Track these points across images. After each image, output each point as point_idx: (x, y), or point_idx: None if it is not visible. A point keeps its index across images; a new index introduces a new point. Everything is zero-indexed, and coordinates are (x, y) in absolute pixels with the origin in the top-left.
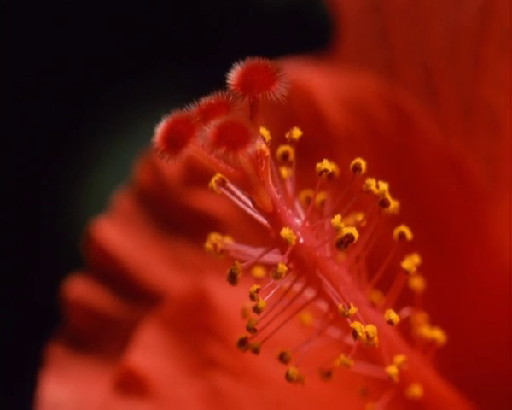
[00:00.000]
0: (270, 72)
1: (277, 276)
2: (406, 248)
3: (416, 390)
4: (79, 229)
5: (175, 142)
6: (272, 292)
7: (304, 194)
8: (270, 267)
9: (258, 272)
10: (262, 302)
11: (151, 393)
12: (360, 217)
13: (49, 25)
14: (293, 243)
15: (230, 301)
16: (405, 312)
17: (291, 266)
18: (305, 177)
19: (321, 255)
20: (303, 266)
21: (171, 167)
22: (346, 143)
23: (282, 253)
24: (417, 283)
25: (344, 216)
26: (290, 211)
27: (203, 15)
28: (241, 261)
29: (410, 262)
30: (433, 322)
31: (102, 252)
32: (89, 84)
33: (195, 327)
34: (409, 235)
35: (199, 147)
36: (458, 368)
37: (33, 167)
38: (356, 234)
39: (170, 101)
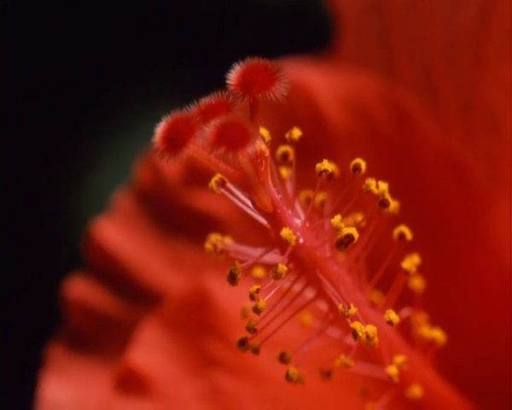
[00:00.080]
0: (270, 72)
1: (277, 276)
2: (406, 248)
3: (416, 390)
4: (79, 229)
5: (175, 142)
6: (272, 292)
7: (304, 194)
8: (270, 267)
9: (259, 272)
10: (262, 302)
11: (151, 391)
12: (360, 217)
13: (49, 25)
14: (293, 243)
15: (231, 299)
16: (405, 312)
17: (291, 266)
18: (305, 177)
19: (321, 255)
20: (303, 266)
21: (171, 167)
22: (346, 143)
23: (282, 253)
24: (417, 283)
25: (344, 216)
26: (290, 211)
27: (203, 15)
28: (241, 262)
29: (410, 262)
30: (433, 322)
31: (102, 252)
32: (89, 84)
33: (196, 326)
34: (409, 235)
35: (199, 147)
36: (458, 368)
37: (33, 167)
38: (356, 234)
39: (170, 101)
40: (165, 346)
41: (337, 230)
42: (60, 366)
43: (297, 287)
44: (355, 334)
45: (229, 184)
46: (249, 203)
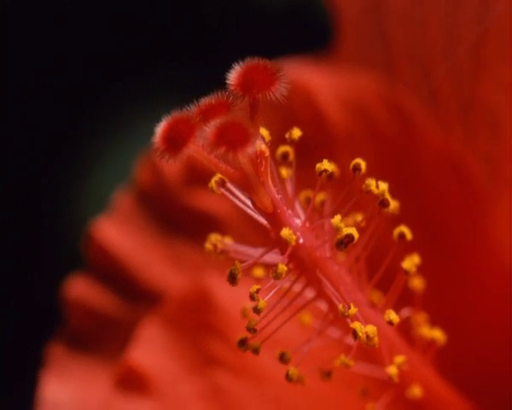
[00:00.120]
0: (269, 72)
1: (277, 276)
2: (406, 248)
3: (416, 390)
4: (79, 229)
5: (175, 142)
6: (272, 292)
7: (304, 194)
8: (270, 267)
9: (259, 272)
10: (262, 303)
11: (152, 390)
12: (360, 217)
13: (49, 25)
14: (293, 243)
15: (231, 299)
16: (405, 312)
17: (291, 266)
18: (305, 177)
19: (321, 255)
20: (303, 266)
21: (171, 167)
22: (346, 143)
23: (282, 253)
24: (417, 283)
25: (344, 216)
26: (290, 211)
27: (203, 15)
28: (241, 261)
29: (410, 262)
30: (433, 322)
31: (102, 252)
32: (89, 84)
33: (196, 325)
34: (409, 235)
35: (199, 147)
36: (458, 368)
37: (33, 167)
38: (356, 234)
39: (170, 101)
40: (165, 345)
41: (337, 230)
42: (60, 366)
43: (297, 287)
44: (355, 334)
45: (229, 184)
46: (249, 203)
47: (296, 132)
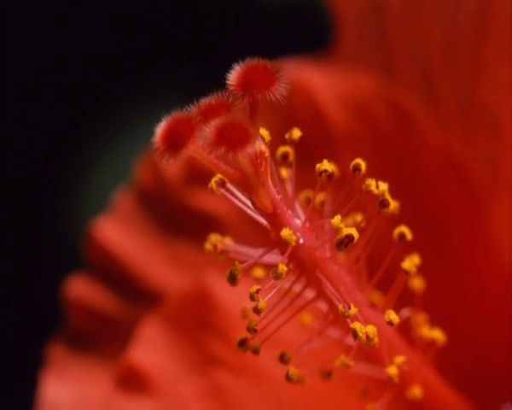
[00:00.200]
0: (269, 72)
1: (277, 276)
2: (406, 248)
3: (416, 391)
4: (79, 229)
5: (175, 142)
6: (272, 293)
7: (304, 194)
8: (271, 268)
9: (259, 272)
10: (262, 303)
11: (152, 389)
12: (360, 217)
13: (49, 25)
14: (293, 243)
15: (232, 298)
16: (405, 312)
17: (291, 266)
18: (305, 177)
19: (321, 256)
20: (303, 266)
21: (171, 167)
22: (346, 143)
23: (282, 253)
24: (417, 283)
25: (344, 216)
26: (290, 211)
27: (203, 15)
28: (241, 262)
29: (410, 262)
30: (433, 322)
31: (103, 251)
32: (89, 84)
33: (197, 324)
34: (409, 235)
35: (199, 147)
36: (458, 368)
37: (33, 167)
38: (356, 234)
39: (170, 101)
40: (166, 344)
41: (337, 230)
42: (60, 366)
43: (297, 287)
44: (355, 334)
45: (229, 185)
46: (249, 204)
47: (296, 133)
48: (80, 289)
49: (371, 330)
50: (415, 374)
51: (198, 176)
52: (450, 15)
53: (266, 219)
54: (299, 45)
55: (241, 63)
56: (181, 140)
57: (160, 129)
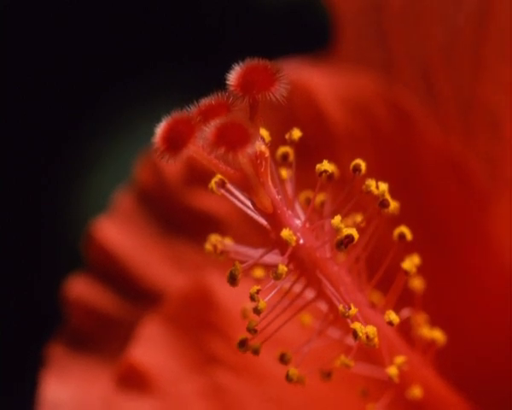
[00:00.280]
0: (269, 72)
1: (277, 277)
2: (406, 248)
3: (416, 391)
4: (79, 229)
5: (175, 142)
6: (272, 293)
7: (304, 195)
8: (271, 268)
9: (259, 272)
10: (262, 303)
11: (153, 388)
12: (360, 218)
13: (49, 25)
14: (294, 243)
15: (233, 297)
16: (405, 312)
17: (291, 266)
18: (305, 177)
19: (321, 256)
20: (303, 266)
21: (171, 167)
22: (346, 143)
23: (282, 254)
24: (417, 283)
25: (344, 217)
26: (290, 212)
27: (203, 15)
28: (242, 262)
29: (410, 263)
30: (433, 322)
31: (103, 251)
32: (89, 84)
33: (198, 323)
34: (409, 235)
35: (199, 147)
36: (458, 368)
37: (33, 167)
38: (356, 235)
39: (170, 101)
40: (166, 343)
41: (337, 230)
42: (60, 366)
43: (297, 287)
44: (355, 334)
45: (229, 185)
46: (249, 204)
47: (296, 133)
48: (80, 289)
49: (371, 330)
50: (415, 374)
51: (198, 176)
52: (450, 15)
53: (266, 220)
54: (299, 45)
55: (241, 63)
56: (181, 140)
57: (160, 129)
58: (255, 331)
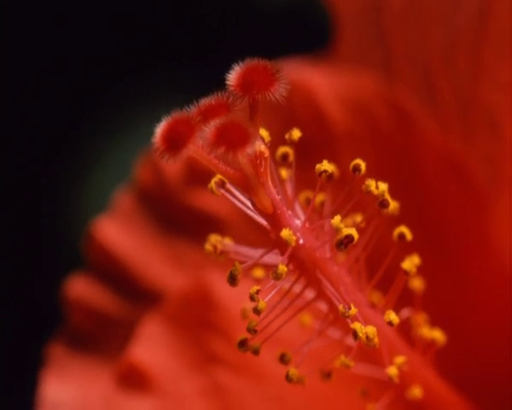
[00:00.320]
0: (269, 72)
1: (277, 277)
2: (406, 248)
3: (416, 391)
4: (79, 229)
5: (175, 142)
6: (272, 293)
7: (304, 195)
8: (271, 268)
9: (259, 273)
10: (262, 303)
11: (153, 387)
12: (360, 218)
13: (49, 25)
14: (293, 243)
15: (233, 297)
16: (405, 312)
17: (291, 266)
18: (305, 177)
19: (321, 256)
20: (303, 266)
21: (171, 167)
22: (346, 143)
23: (282, 254)
24: (417, 283)
25: (344, 217)
26: (290, 212)
27: (203, 15)
28: (241, 262)
29: (410, 263)
30: (433, 322)
31: (103, 251)
32: (89, 84)
33: (198, 322)
34: (408, 235)
35: (199, 147)
36: (458, 368)
37: (33, 167)
38: (356, 235)
39: (170, 101)
40: (166, 342)
41: (337, 230)
42: (60, 366)
43: (297, 288)
44: (355, 335)
45: (228, 185)
46: (249, 204)
47: (296, 133)
48: (80, 288)
49: (371, 330)
50: (415, 374)
51: (198, 176)
52: (450, 15)
53: (266, 220)
54: (299, 45)
55: (241, 63)
56: (181, 140)
57: (160, 129)
58: (255, 331)
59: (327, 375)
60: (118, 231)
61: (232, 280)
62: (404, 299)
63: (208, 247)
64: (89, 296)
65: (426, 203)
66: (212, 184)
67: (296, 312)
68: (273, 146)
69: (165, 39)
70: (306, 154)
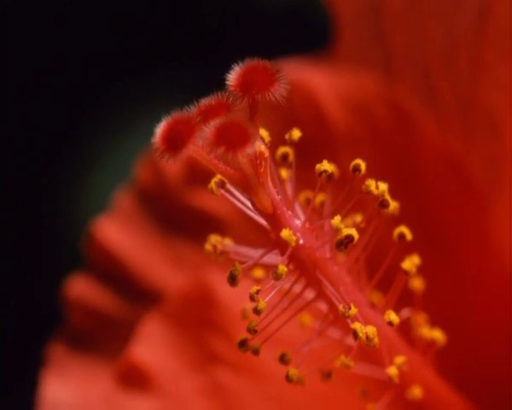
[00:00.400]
0: (269, 72)
1: (277, 277)
2: (406, 248)
3: (416, 391)
4: (79, 229)
5: (175, 142)
6: (272, 293)
7: (303, 195)
8: (271, 268)
9: (259, 273)
10: (262, 303)
11: (153, 387)
12: (360, 218)
13: (49, 25)
14: (293, 244)
15: (234, 296)
16: (405, 312)
17: (291, 267)
18: (305, 178)
19: (321, 256)
20: (303, 267)
21: (172, 167)
22: (346, 143)
23: (282, 254)
24: (417, 283)
25: (344, 217)
26: (290, 212)
27: (203, 15)
28: (242, 262)
29: (410, 263)
30: (433, 322)
31: (103, 251)
32: (89, 84)
33: (198, 322)
34: (408, 235)
35: (199, 147)
36: (458, 368)
37: (33, 167)
38: (356, 235)
39: (170, 101)
40: (167, 341)
41: (337, 230)
42: (60, 366)
43: (297, 288)
44: (355, 335)
45: (228, 185)
46: (249, 204)
47: (296, 133)
48: (80, 288)
49: (371, 330)
50: (415, 374)
51: (198, 176)
52: (450, 15)
53: (266, 220)
54: (299, 45)
55: (240, 63)
56: (181, 140)
57: (160, 129)
58: (255, 332)
59: (327, 375)
60: (118, 231)
61: (232, 280)
62: (404, 299)
63: (208, 247)
64: (89, 296)
65: (426, 203)
66: (212, 184)
67: (296, 312)
68: (273, 146)
69: (165, 39)
70: (306, 154)
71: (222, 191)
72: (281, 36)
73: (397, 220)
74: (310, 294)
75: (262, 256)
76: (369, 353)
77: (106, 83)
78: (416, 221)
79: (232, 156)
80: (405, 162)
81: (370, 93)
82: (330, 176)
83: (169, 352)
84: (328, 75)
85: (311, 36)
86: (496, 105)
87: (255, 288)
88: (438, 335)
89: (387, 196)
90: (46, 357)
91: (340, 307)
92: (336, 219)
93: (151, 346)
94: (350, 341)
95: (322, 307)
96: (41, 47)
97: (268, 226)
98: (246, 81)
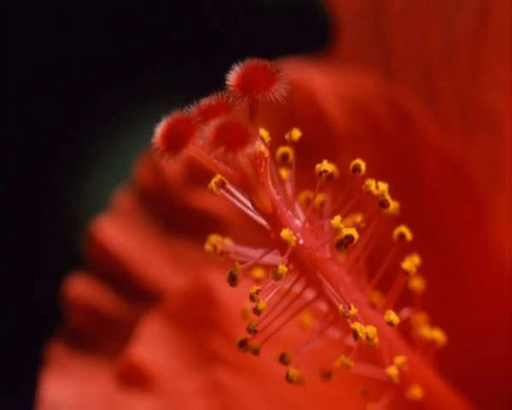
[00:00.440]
0: (269, 72)
1: (277, 277)
2: (406, 248)
3: (416, 391)
4: (79, 229)
5: (175, 142)
6: (272, 293)
7: (303, 195)
8: (271, 268)
9: (259, 273)
10: (262, 303)
11: (153, 386)
12: (360, 218)
13: (49, 25)
14: (293, 244)
15: (234, 296)
16: (405, 312)
17: (291, 267)
18: (305, 178)
19: (321, 256)
20: (303, 267)
21: (172, 166)
22: (346, 143)
23: (282, 254)
24: (417, 283)
25: (344, 217)
26: (290, 212)
27: (203, 15)
28: (242, 262)
29: (410, 263)
30: (433, 322)
31: (103, 251)
32: (89, 84)
33: (198, 321)
34: (408, 235)
35: (199, 147)
36: (458, 368)
37: (33, 167)
38: (356, 235)
39: (170, 101)
40: (167, 341)
41: (337, 230)
42: (60, 366)
43: (297, 288)
44: (355, 335)
45: (228, 185)
46: (249, 204)
47: (296, 133)
48: (80, 288)
49: (371, 330)
50: (415, 374)
51: (198, 176)
52: (450, 15)
53: (266, 220)
54: (299, 45)
55: (240, 63)
56: (181, 140)
57: (160, 129)
58: (255, 332)
59: (327, 375)
60: (118, 231)
61: (232, 280)
62: (404, 299)
63: (208, 247)
64: (89, 296)
65: (426, 203)
66: (212, 184)
67: (296, 312)
68: (273, 146)
69: (165, 39)
70: (306, 154)
71: (222, 191)
72: (281, 36)
73: (397, 220)
74: (310, 294)
75: (262, 256)
76: (369, 353)
77: (106, 83)
78: (416, 221)
79: (232, 156)
80: (405, 162)
81: (370, 93)
82: (330, 176)
83: (169, 352)
84: (328, 75)
85: (311, 36)
86: (496, 105)
87: (255, 288)
88: (438, 335)
89: (387, 196)
90: (46, 357)
91: (340, 307)
92: (336, 219)
93: (151, 346)
94: (350, 341)
95: (322, 307)
96: (41, 47)
97: (268, 226)
98: (246, 81)
